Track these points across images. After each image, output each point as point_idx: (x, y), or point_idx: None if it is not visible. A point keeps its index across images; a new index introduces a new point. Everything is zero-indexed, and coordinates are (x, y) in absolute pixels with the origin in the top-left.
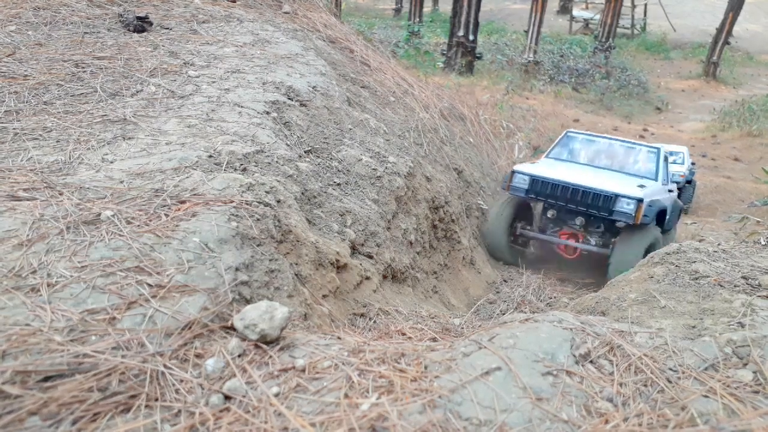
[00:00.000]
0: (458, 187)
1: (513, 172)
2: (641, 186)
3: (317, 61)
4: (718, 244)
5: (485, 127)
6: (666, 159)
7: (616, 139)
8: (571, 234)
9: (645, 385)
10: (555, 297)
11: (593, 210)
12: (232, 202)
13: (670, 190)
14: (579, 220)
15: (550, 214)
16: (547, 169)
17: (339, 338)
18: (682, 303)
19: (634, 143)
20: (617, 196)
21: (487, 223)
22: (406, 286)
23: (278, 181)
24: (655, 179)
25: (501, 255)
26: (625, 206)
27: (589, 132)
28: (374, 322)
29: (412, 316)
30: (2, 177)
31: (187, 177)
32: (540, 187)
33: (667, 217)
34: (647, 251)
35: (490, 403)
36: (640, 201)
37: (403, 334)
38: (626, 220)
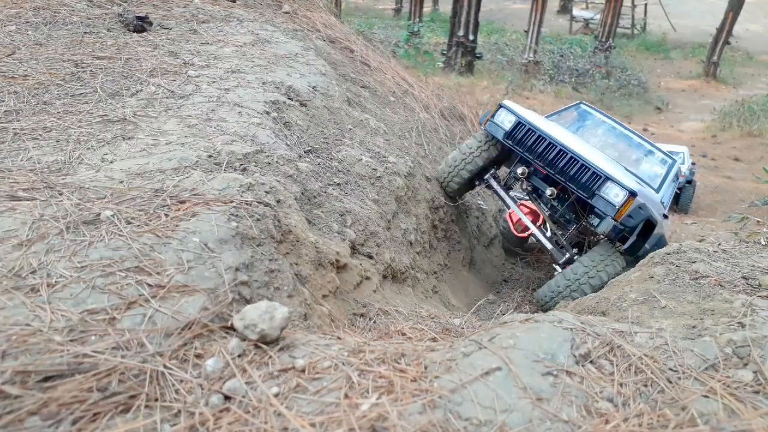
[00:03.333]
0: None
1: (500, 105)
2: (638, 184)
3: (317, 61)
4: (718, 244)
5: None
6: (676, 178)
7: (632, 131)
8: (532, 211)
9: (645, 386)
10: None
11: (572, 184)
12: (231, 202)
13: (665, 216)
14: (550, 191)
15: (520, 171)
16: (541, 121)
17: (339, 338)
18: (683, 303)
19: (650, 143)
20: (608, 178)
21: (455, 151)
22: (406, 286)
23: (278, 181)
24: (656, 190)
25: (450, 187)
26: (612, 194)
27: (604, 112)
28: (374, 322)
29: (412, 316)
30: (2, 177)
31: (187, 177)
32: (524, 134)
33: (648, 241)
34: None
35: (490, 404)
36: (632, 194)
37: (403, 334)
38: (605, 211)
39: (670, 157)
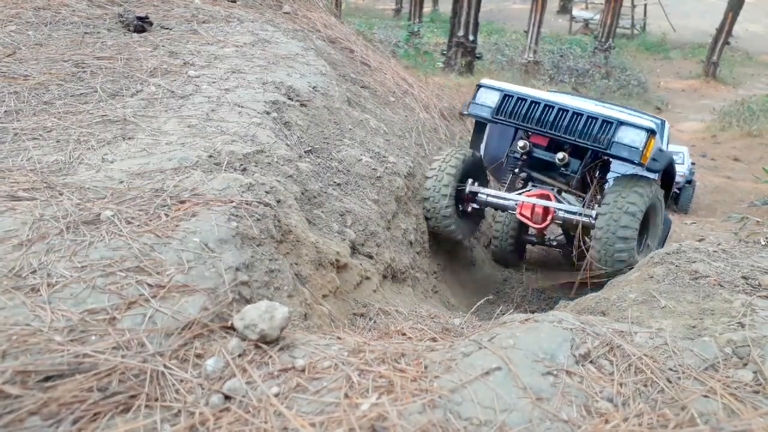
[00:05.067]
0: None
1: (479, 86)
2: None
3: (317, 61)
4: (718, 244)
5: None
6: (667, 141)
7: (611, 103)
8: (542, 194)
9: (645, 385)
10: (555, 297)
11: (583, 140)
12: (232, 202)
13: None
14: (561, 155)
15: (521, 144)
16: (525, 89)
17: (339, 338)
18: (682, 303)
19: (632, 110)
20: (620, 123)
21: (426, 182)
22: (406, 286)
23: (278, 181)
24: None
25: (442, 226)
26: (630, 138)
27: (579, 92)
28: (374, 322)
29: (412, 316)
30: (2, 177)
31: (187, 177)
32: (514, 105)
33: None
34: (647, 218)
35: (490, 403)
36: (651, 133)
37: (403, 334)
38: (629, 157)
39: (657, 118)
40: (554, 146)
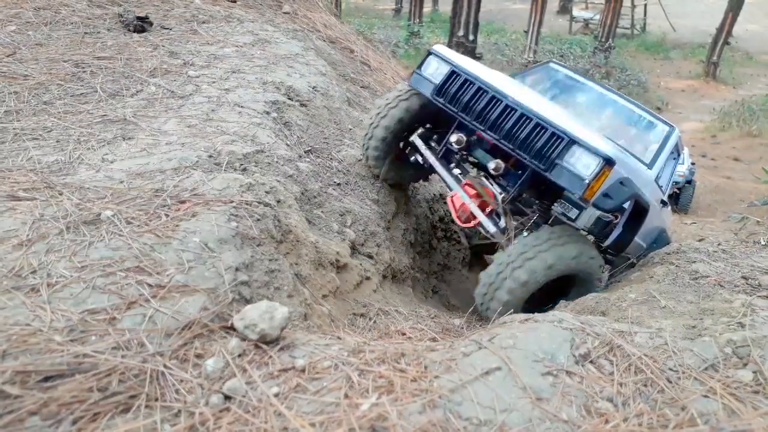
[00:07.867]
0: None
1: (429, 52)
2: (622, 152)
3: (317, 61)
4: (718, 244)
5: None
6: (676, 153)
7: (618, 94)
8: (477, 195)
9: (645, 385)
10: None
11: (523, 152)
12: (232, 202)
13: (663, 203)
14: (494, 164)
15: (454, 139)
16: (483, 70)
17: (339, 338)
18: (682, 303)
19: (641, 107)
20: (573, 141)
21: (369, 114)
22: (406, 286)
23: (278, 181)
24: (649, 166)
25: (371, 155)
26: (580, 164)
27: (578, 74)
28: (374, 322)
29: (412, 316)
30: (2, 177)
31: (187, 177)
32: (459, 87)
33: (641, 235)
34: (570, 281)
35: (490, 403)
36: (607, 162)
37: (403, 334)
38: (569, 188)
39: (668, 124)
40: (502, 150)
